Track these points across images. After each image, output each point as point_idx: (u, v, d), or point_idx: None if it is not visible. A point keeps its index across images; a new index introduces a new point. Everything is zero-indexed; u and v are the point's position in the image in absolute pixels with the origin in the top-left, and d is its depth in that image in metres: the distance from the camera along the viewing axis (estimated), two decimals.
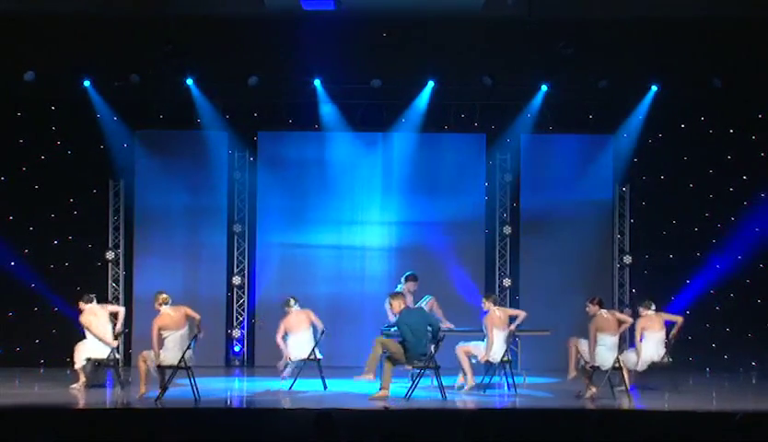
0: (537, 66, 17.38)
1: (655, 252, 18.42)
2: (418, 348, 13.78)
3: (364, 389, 14.17)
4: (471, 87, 17.77)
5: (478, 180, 18.45)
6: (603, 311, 14.02)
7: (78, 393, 14.08)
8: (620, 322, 14.09)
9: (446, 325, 15.06)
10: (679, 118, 18.46)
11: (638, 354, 14.52)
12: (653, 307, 14.81)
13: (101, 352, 14.52)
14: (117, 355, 14.56)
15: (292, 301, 14.91)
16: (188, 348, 13.46)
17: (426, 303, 15.43)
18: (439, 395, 13.72)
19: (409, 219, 18.32)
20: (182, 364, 13.36)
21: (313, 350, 14.75)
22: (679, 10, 16.11)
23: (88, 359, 14.48)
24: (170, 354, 13.42)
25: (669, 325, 14.86)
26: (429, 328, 13.90)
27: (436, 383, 13.97)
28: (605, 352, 13.80)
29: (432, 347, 13.80)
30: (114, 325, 14.77)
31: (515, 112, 18.24)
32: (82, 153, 18.17)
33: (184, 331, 13.53)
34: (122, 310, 15.21)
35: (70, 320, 17.49)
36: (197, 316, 13.71)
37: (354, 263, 18.30)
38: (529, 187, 18.44)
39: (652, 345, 14.60)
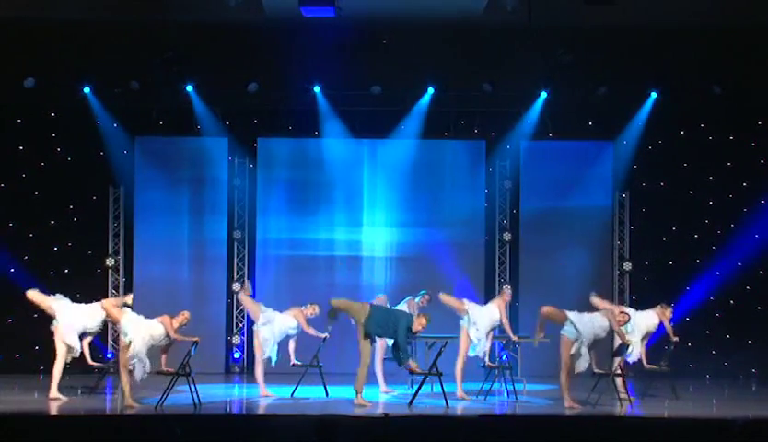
0: (537, 73, 17.41)
1: (655, 259, 18.43)
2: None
3: (365, 396, 14.14)
4: (470, 93, 17.80)
5: (478, 187, 18.45)
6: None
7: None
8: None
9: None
10: (678, 125, 18.48)
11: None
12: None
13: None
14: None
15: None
16: (188, 355, 13.45)
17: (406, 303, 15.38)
18: (441, 402, 13.73)
19: (409, 226, 18.31)
20: (183, 370, 13.35)
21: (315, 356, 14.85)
22: (678, 17, 16.14)
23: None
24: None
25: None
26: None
27: (437, 390, 13.97)
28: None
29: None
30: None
31: (514, 119, 18.27)
32: (82, 159, 18.18)
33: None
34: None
35: None
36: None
37: (354, 270, 18.28)
38: (529, 193, 18.44)
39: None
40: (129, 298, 15.04)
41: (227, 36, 16.79)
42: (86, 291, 17.94)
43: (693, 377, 17.34)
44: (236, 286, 16.11)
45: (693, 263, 18.26)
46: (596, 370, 13.92)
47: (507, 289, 15.36)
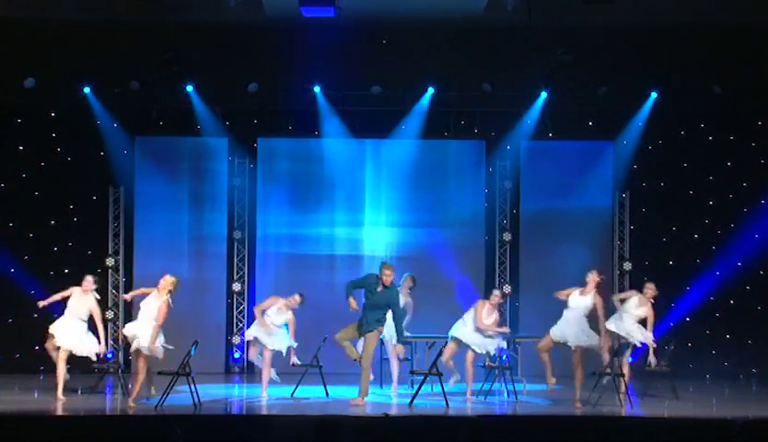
0: (537, 73, 17.40)
1: (655, 259, 18.42)
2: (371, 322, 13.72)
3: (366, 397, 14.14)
4: (470, 93, 17.79)
5: (478, 187, 18.45)
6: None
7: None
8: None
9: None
10: (678, 124, 18.49)
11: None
12: None
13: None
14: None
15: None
16: (188, 355, 13.43)
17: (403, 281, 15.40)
18: (441, 402, 13.72)
19: (409, 226, 18.33)
20: (183, 370, 13.33)
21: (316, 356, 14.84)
22: (678, 17, 16.13)
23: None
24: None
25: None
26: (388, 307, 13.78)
27: (437, 390, 13.97)
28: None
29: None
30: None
31: (515, 119, 18.26)
32: (82, 159, 18.19)
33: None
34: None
35: None
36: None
37: (354, 270, 18.22)
38: (529, 194, 18.44)
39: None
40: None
41: (227, 36, 16.79)
42: None
43: (693, 377, 17.34)
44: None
45: (693, 263, 18.26)
46: (606, 355, 13.86)
47: (495, 293, 15.03)
